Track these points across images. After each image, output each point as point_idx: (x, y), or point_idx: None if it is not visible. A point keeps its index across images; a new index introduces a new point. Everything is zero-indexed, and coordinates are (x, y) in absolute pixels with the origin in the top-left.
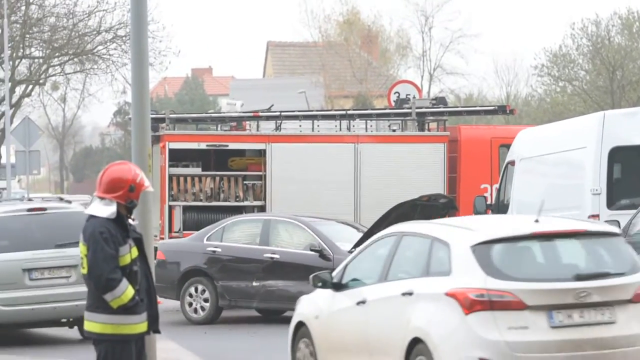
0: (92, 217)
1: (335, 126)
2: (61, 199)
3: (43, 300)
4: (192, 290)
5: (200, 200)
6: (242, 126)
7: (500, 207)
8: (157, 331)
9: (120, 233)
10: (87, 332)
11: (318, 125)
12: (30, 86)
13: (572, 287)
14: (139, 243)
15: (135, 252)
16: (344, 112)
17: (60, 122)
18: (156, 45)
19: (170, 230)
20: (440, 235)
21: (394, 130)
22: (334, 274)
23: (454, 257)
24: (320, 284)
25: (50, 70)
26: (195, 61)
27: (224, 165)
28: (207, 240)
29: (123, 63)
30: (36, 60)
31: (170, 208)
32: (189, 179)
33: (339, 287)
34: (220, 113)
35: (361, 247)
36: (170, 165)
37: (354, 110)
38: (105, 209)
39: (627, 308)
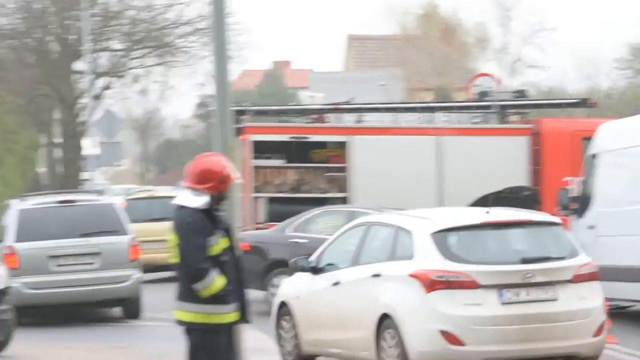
0: (181, 207)
1: (417, 119)
2: (97, 192)
3: (67, 284)
4: (276, 281)
5: (284, 192)
6: (323, 119)
7: (584, 199)
8: (247, 321)
9: (209, 223)
10: (178, 321)
11: (400, 118)
12: (112, 78)
13: (519, 269)
14: (229, 234)
15: (224, 243)
16: (425, 104)
17: (141, 115)
18: (236, 38)
19: (254, 222)
20: (404, 225)
21: (475, 123)
22: (311, 259)
23: (416, 243)
24: (299, 268)
25: (131, 62)
26: (275, 54)
27: (305, 157)
28: (291, 231)
29: (203, 56)
30: (117, 52)
31: (255, 199)
32: (272, 170)
33: (316, 270)
34: (302, 105)
35: (334, 235)
36: (253, 157)
37: (435, 102)
38: (196, 200)
39: (567, 287)
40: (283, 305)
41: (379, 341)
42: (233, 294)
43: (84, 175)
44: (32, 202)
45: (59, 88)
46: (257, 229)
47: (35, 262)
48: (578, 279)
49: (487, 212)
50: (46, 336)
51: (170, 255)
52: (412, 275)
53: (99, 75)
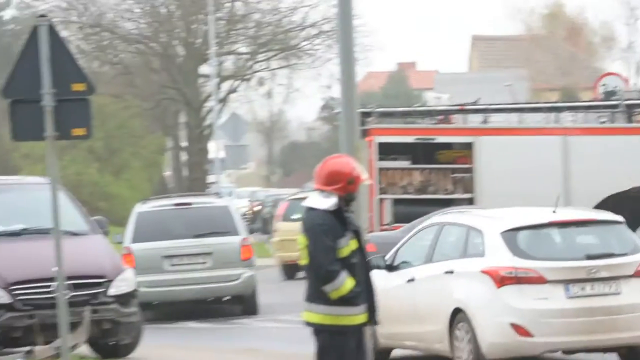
0: (311, 209)
1: (543, 119)
2: (216, 194)
3: (180, 283)
4: None
5: (410, 193)
6: (449, 119)
7: None
8: (376, 322)
9: (338, 225)
10: (307, 323)
11: (526, 118)
12: (237, 82)
13: (584, 265)
14: (358, 235)
15: (354, 245)
16: (551, 104)
17: (266, 117)
18: (361, 40)
19: (380, 223)
20: (475, 224)
21: (602, 123)
22: (386, 257)
23: (487, 242)
24: (375, 267)
25: (256, 66)
26: (399, 56)
27: (431, 159)
28: None
29: (328, 58)
30: (242, 56)
31: (380, 201)
32: (398, 172)
33: (391, 268)
34: (427, 106)
35: (408, 235)
36: (378, 159)
37: (561, 102)
38: (325, 201)
39: (630, 282)
40: None
41: (452, 334)
42: (362, 296)
43: (210, 178)
44: (151, 205)
45: (184, 92)
46: (382, 230)
47: (151, 261)
48: None
49: (554, 212)
50: (166, 338)
51: (300, 256)
52: (483, 272)
53: (224, 78)
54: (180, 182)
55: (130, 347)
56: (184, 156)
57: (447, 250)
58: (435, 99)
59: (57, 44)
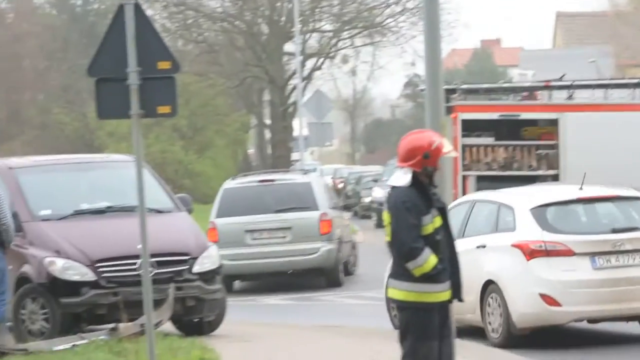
0: (394, 187)
1: (629, 95)
2: (303, 171)
3: (261, 256)
4: None
5: (494, 170)
6: (534, 96)
7: None
8: (461, 299)
9: (423, 202)
10: (391, 299)
11: (611, 94)
12: (321, 59)
13: (609, 238)
14: (443, 212)
15: (438, 222)
16: (637, 80)
17: (350, 95)
18: (445, 17)
19: None
20: (506, 201)
21: None
22: None
23: (517, 217)
24: None
25: (340, 43)
26: (483, 33)
27: (515, 135)
28: None
29: (412, 35)
30: (326, 33)
31: (464, 178)
32: (482, 148)
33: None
34: (512, 83)
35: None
36: (462, 136)
37: None
38: (402, 178)
39: None
40: None
41: (484, 305)
42: (446, 273)
43: (293, 155)
44: (238, 182)
45: (268, 70)
46: None
47: (233, 235)
48: None
49: (580, 189)
50: (248, 314)
51: (385, 234)
52: (514, 246)
53: (308, 56)
54: (264, 159)
55: (214, 324)
56: (267, 134)
57: (479, 226)
58: (519, 76)
59: (143, 22)
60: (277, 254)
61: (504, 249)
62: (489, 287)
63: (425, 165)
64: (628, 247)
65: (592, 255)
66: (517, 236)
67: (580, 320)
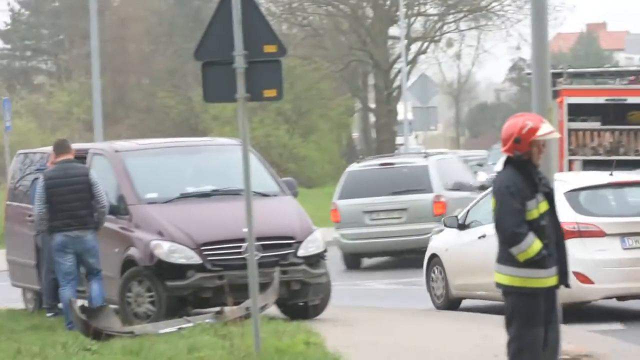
0: (499, 172)
1: None
2: (423, 154)
3: (378, 236)
4: None
5: (600, 155)
6: None
7: None
8: (567, 285)
9: (528, 187)
10: (496, 284)
11: None
12: (426, 43)
13: (638, 220)
14: (549, 197)
15: (544, 207)
16: None
17: (455, 79)
18: (551, 1)
19: None
20: None
21: None
22: (458, 217)
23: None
24: (448, 225)
25: (445, 27)
26: (589, 16)
27: (622, 120)
28: None
29: (518, 19)
30: (431, 17)
31: (570, 162)
32: (588, 133)
33: (462, 227)
34: (618, 67)
35: (478, 197)
36: (568, 120)
37: None
38: (500, 163)
39: None
40: (433, 257)
41: None
42: (552, 258)
43: (398, 140)
44: (361, 165)
45: (373, 53)
46: None
47: (353, 216)
48: None
49: (610, 174)
50: (353, 299)
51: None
52: None
53: (413, 40)
54: (368, 143)
55: (318, 308)
56: (372, 118)
57: None
58: (626, 60)
59: (249, 6)
60: (393, 234)
61: None
62: None
63: (516, 150)
64: None
65: (622, 236)
66: None
67: (610, 297)
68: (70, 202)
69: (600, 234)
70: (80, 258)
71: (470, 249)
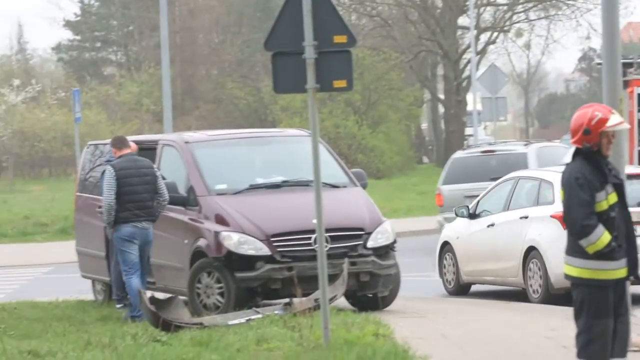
0: (568, 163)
1: None
2: (525, 142)
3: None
4: None
5: None
6: None
7: None
8: (638, 277)
9: (597, 178)
10: (566, 276)
11: None
12: (495, 33)
13: (637, 210)
14: (619, 189)
15: (613, 198)
16: None
17: (524, 69)
18: None
19: None
20: (546, 177)
21: None
22: (470, 206)
23: (556, 192)
24: (460, 215)
25: (515, 17)
26: None
27: None
28: None
29: (587, 9)
30: (500, 7)
31: None
32: None
33: (473, 216)
34: None
35: (488, 188)
36: (638, 110)
37: None
38: (570, 154)
39: None
40: (445, 244)
41: (525, 269)
42: (622, 250)
43: (467, 130)
44: (465, 152)
45: (442, 44)
46: None
47: (455, 201)
48: None
49: None
50: (421, 290)
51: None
52: (553, 216)
53: (482, 30)
54: (437, 134)
55: (387, 300)
56: (441, 108)
57: (522, 200)
58: None
59: None
60: None
61: (544, 219)
62: (530, 253)
63: (585, 141)
64: None
65: None
66: (556, 208)
67: None
68: (140, 193)
69: None
70: (140, 249)
71: (479, 237)
